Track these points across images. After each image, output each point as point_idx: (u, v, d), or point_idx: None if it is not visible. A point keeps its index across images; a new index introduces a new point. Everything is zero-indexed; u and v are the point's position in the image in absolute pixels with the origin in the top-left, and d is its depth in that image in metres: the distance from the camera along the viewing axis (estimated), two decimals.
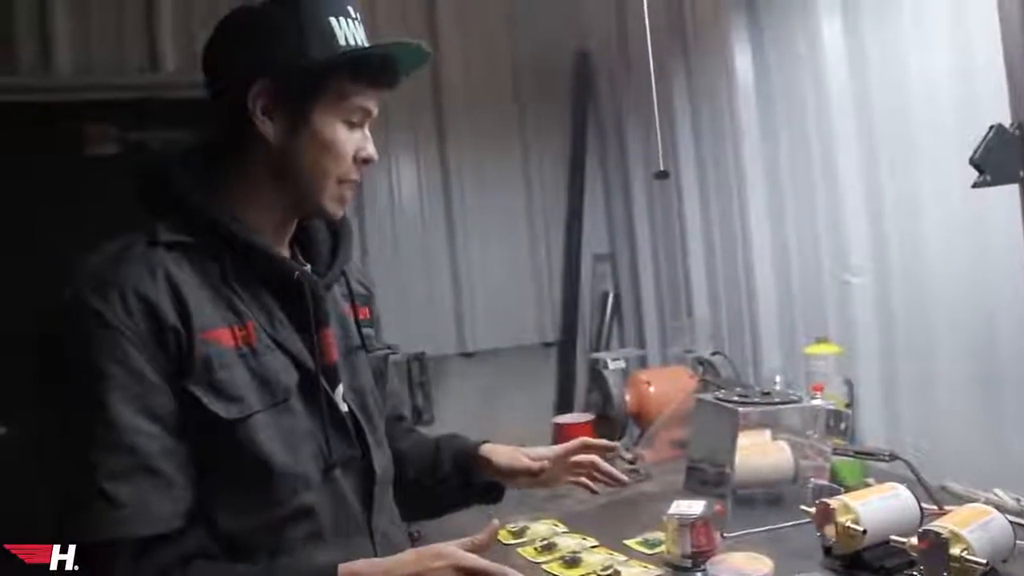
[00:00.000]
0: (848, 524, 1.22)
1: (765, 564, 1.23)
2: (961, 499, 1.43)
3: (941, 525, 1.12)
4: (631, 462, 1.92)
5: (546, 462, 1.30)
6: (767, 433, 1.62)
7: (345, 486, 1.01)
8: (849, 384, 1.87)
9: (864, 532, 1.20)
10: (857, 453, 1.59)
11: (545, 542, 1.48)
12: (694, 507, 1.35)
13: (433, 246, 3.06)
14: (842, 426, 1.54)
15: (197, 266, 0.94)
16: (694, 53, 2.52)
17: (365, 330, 1.13)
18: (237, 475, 0.91)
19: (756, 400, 1.56)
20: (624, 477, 1.36)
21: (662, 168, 1.97)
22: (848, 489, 1.45)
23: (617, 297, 3.18)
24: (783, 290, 2.25)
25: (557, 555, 1.43)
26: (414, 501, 1.21)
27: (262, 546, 0.92)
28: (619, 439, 2.14)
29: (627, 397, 2.20)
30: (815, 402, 1.57)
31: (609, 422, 2.20)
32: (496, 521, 0.96)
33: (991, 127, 1.27)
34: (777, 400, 1.57)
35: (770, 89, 2.22)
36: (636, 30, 2.75)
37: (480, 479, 1.28)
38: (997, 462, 1.57)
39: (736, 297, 2.43)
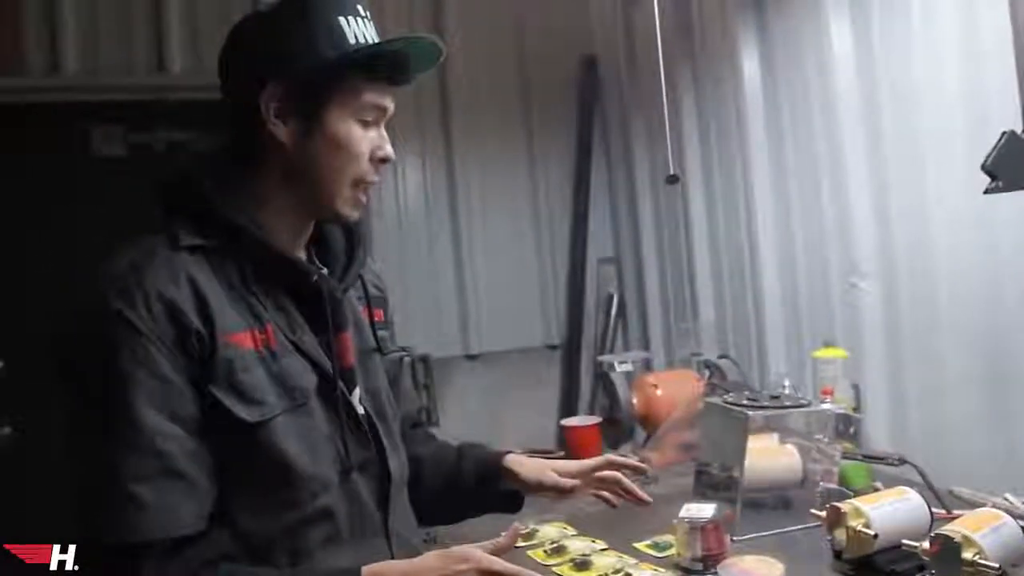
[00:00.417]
0: (859, 528, 1.22)
1: (776, 568, 1.23)
2: (970, 504, 1.44)
3: (953, 529, 1.12)
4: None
5: (578, 481, 1.28)
6: (775, 437, 1.62)
7: (362, 488, 1.01)
8: (856, 388, 1.87)
9: (875, 536, 1.20)
10: (866, 457, 1.59)
11: (555, 545, 1.48)
12: (705, 510, 1.35)
13: (438, 248, 3.06)
14: (851, 430, 1.54)
15: (217, 269, 0.94)
16: (701, 56, 2.53)
17: (380, 332, 1.14)
18: (258, 477, 0.92)
19: (766, 404, 1.56)
20: (647, 497, 1.31)
21: (672, 172, 1.96)
22: (856, 493, 1.46)
23: (622, 300, 3.18)
24: (789, 293, 2.25)
25: (567, 558, 1.43)
26: (432, 507, 1.21)
27: (281, 548, 0.93)
28: (626, 442, 2.15)
29: (634, 400, 2.20)
30: (825, 406, 1.58)
31: (616, 425, 2.20)
32: (517, 524, 0.97)
33: (1003, 134, 1.27)
34: (787, 404, 1.57)
35: (777, 92, 2.22)
36: (643, 34, 2.75)
37: (502, 488, 1.27)
38: (1005, 466, 1.58)
39: (742, 300, 2.43)
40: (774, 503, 1.55)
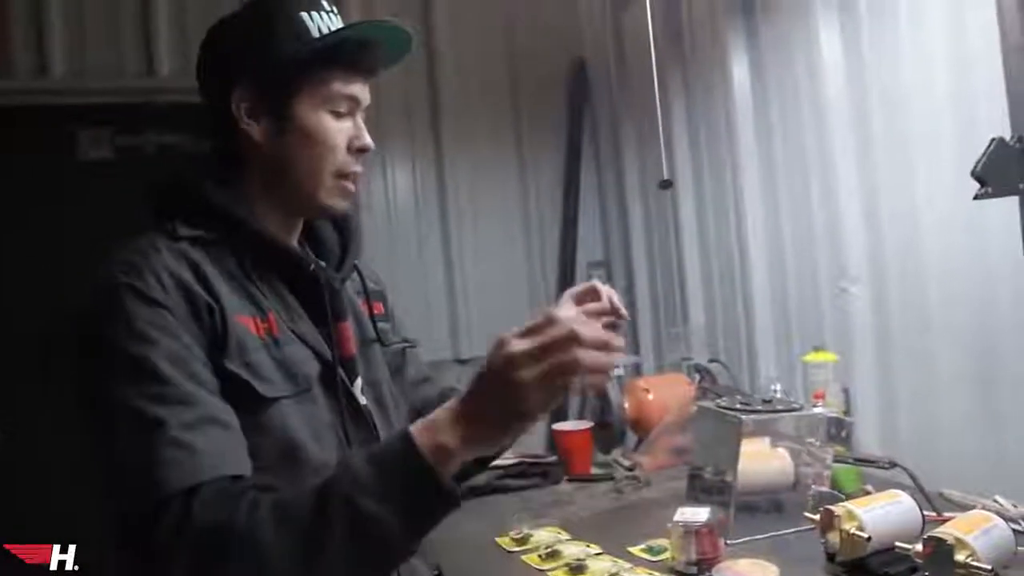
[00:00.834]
0: (852, 531, 1.23)
1: (770, 570, 1.23)
2: (960, 506, 1.45)
3: (945, 532, 1.13)
4: (630, 469, 1.93)
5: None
6: (766, 440, 1.63)
7: None
8: (846, 392, 1.88)
9: (868, 538, 1.21)
10: (857, 460, 1.60)
11: (549, 549, 1.48)
12: (699, 514, 1.35)
13: (428, 251, 3.06)
14: (843, 434, 1.55)
15: (217, 260, 0.96)
16: (691, 61, 2.54)
17: (380, 325, 1.15)
18: (267, 459, 0.91)
19: (759, 408, 1.57)
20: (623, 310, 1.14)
21: (665, 177, 1.97)
22: (847, 496, 1.47)
23: None
24: (779, 298, 2.26)
25: (562, 562, 1.43)
26: None
27: None
28: (617, 446, 2.15)
29: (625, 404, 2.20)
30: (817, 410, 1.58)
31: (607, 429, 2.20)
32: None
33: (992, 140, 1.28)
34: (780, 408, 1.57)
35: (767, 97, 2.23)
36: (632, 38, 2.76)
37: None
38: (995, 468, 1.59)
39: (732, 305, 2.44)
40: (767, 506, 1.55)
